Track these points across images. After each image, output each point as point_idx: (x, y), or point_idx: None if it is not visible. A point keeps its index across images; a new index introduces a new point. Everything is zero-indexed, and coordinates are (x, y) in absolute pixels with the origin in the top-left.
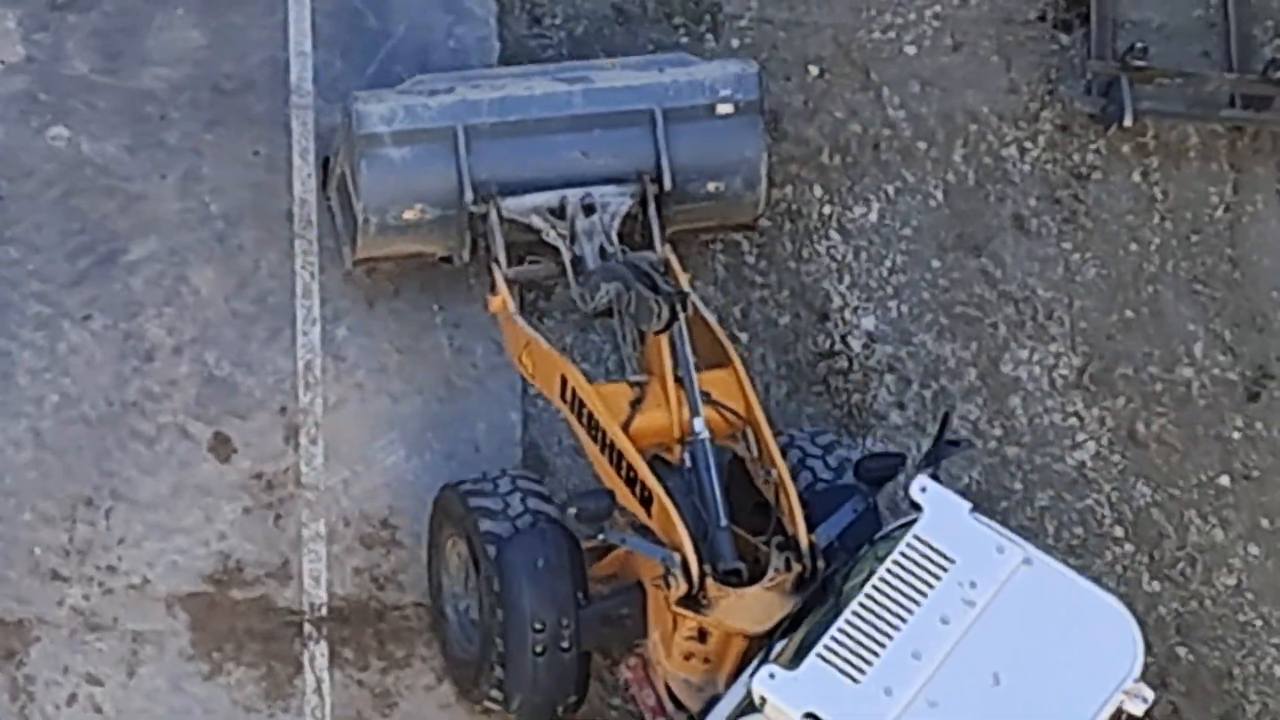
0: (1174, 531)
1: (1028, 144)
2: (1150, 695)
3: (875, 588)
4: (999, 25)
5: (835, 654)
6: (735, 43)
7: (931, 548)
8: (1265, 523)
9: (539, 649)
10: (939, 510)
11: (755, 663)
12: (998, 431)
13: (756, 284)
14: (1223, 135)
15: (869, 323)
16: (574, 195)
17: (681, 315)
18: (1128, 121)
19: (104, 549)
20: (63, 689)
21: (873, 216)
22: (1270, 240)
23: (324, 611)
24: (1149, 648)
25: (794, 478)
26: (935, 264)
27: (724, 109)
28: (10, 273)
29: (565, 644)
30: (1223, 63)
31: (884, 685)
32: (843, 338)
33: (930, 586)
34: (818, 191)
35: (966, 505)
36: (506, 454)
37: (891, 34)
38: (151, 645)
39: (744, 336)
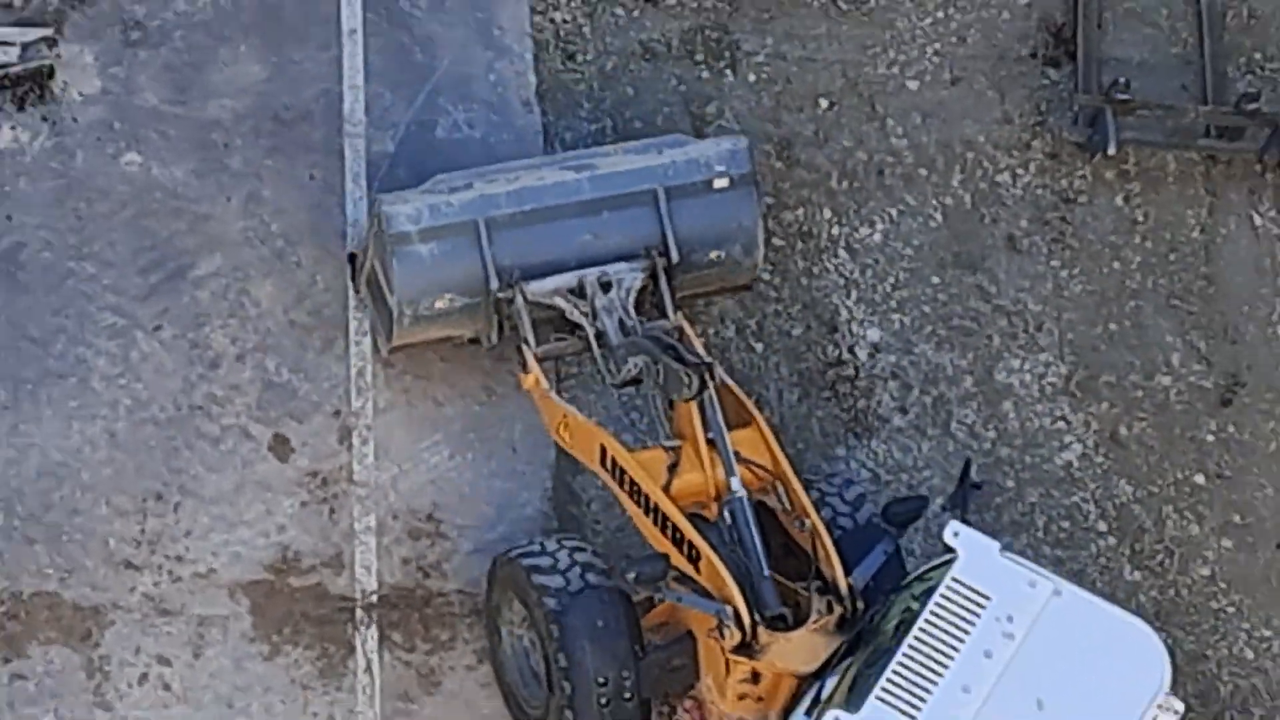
0: (1153, 526)
1: (1020, 170)
2: (1180, 707)
3: (922, 629)
4: (994, 61)
5: (892, 694)
6: (752, 77)
7: (969, 588)
8: (1237, 518)
9: (604, 700)
10: (972, 552)
11: (808, 702)
12: (992, 434)
13: (771, 298)
14: (1199, 163)
15: (874, 334)
16: (591, 275)
17: (710, 384)
18: (1111, 150)
19: (173, 540)
20: (135, 669)
21: (877, 237)
22: (1242, 259)
23: (374, 598)
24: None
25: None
26: (935, 280)
27: (720, 184)
28: (87, 287)
29: (627, 694)
30: (1198, 96)
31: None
32: (850, 348)
33: (972, 624)
34: (827, 214)
35: (997, 545)
36: (539, 454)
37: (895, 69)
38: (216, 628)
39: (759, 346)
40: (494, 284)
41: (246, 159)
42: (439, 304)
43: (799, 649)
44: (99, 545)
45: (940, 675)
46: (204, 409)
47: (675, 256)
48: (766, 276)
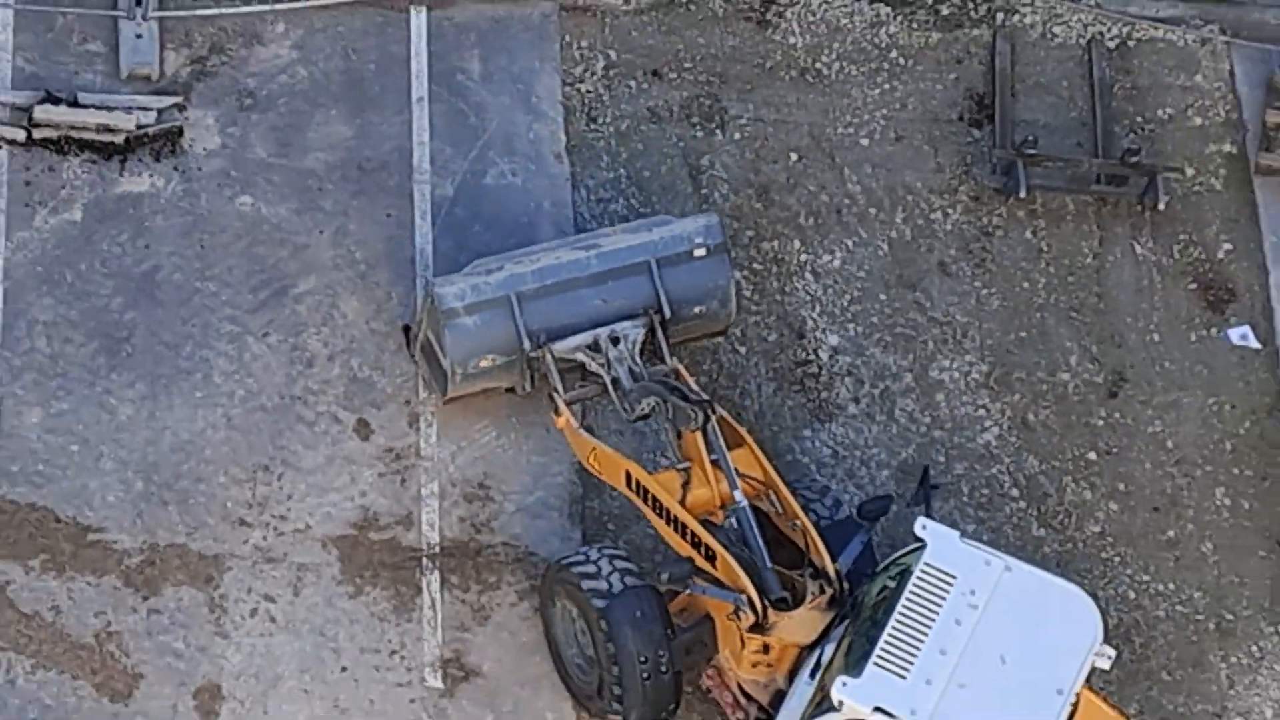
0: (1055, 492)
1: (949, 210)
2: (1112, 653)
3: (904, 606)
4: (929, 124)
5: (886, 660)
6: (737, 135)
7: (938, 570)
8: (1121, 487)
9: (645, 675)
10: (938, 540)
11: (811, 665)
12: (927, 419)
13: (752, 310)
14: (1091, 204)
15: (833, 339)
16: (603, 333)
17: (712, 417)
18: (1022, 194)
19: (277, 503)
20: (247, 605)
21: (836, 262)
22: (1125, 280)
23: (437, 549)
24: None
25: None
26: (882, 296)
27: (699, 253)
28: (210, 301)
29: (664, 669)
30: (1091, 151)
31: (925, 678)
32: (814, 350)
33: (943, 599)
34: (796, 244)
35: (956, 534)
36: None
37: (851, 129)
38: (311, 573)
39: (742, 349)
40: (526, 345)
41: (336, 200)
42: (483, 363)
43: (801, 624)
44: (218, 507)
45: (922, 642)
46: (302, 399)
47: (668, 313)
48: (748, 294)
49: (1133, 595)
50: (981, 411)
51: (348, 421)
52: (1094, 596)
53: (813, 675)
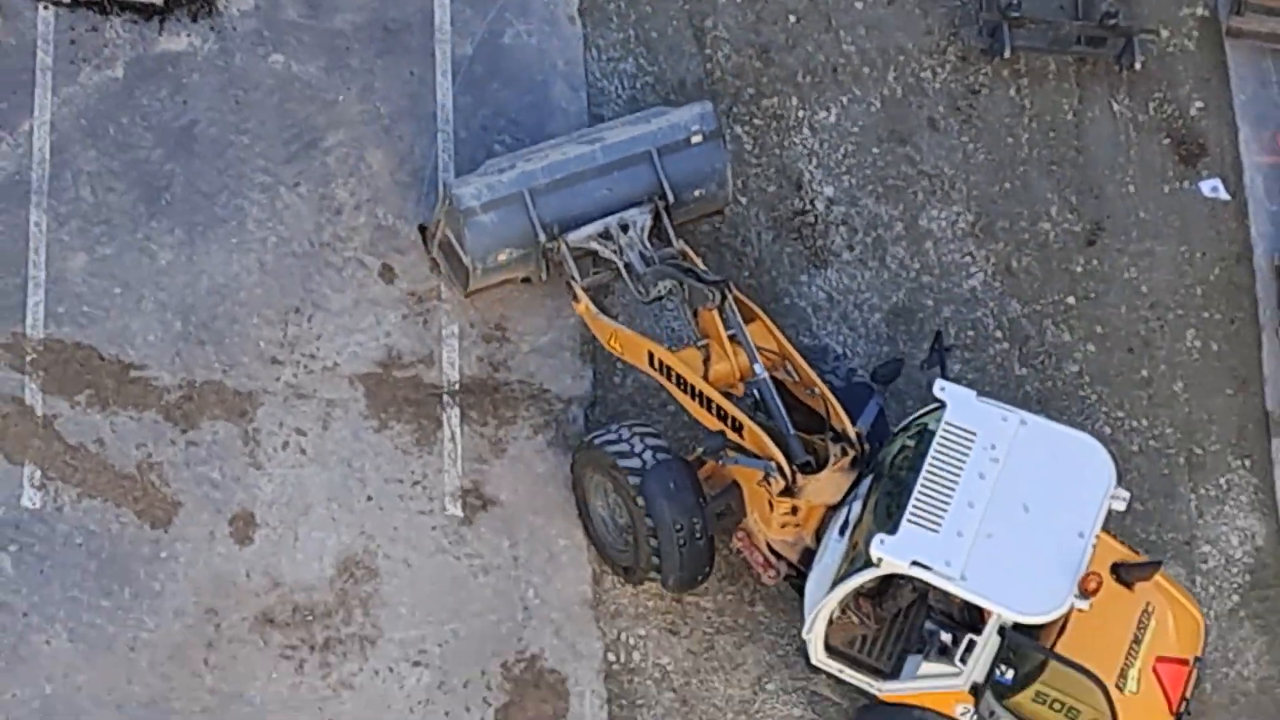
0: (1036, 334)
1: (938, 69)
2: (1126, 495)
3: (931, 464)
4: None
5: (918, 516)
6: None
7: (959, 428)
8: (1098, 329)
9: (682, 542)
10: (956, 400)
11: (840, 523)
12: (917, 265)
13: (753, 164)
14: (1072, 64)
15: (829, 190)
16: (613, 221)
17: (729, 295)
18: (1007, 54)
19: (307, 342)
20: (279, 437)
21: (832, 118)
22: (1103, 136)
23: (457, 386)
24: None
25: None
26: (874, 151)
27: (696, 139)
28: (244, 154)
29: (698, 535)
30: (1072, 14)
31: (956, 530)
32: (811, 201)
33: (966, 455)
34: (794, 101)
35: (973, 393)
36: None
37: None
38: (339, 408)
39: (744, 200)
40: (542, 237)
41: (362, 59)
42: (501, 257)
43: (826, 486)
44: (252, 346)
45: (950, 497)
46: (330, 245)
47: (670, 198)
48: (749, 147)
49: (1108, 431)
50: (968, 258)
51: (373, 266)
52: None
53: (842, 533)
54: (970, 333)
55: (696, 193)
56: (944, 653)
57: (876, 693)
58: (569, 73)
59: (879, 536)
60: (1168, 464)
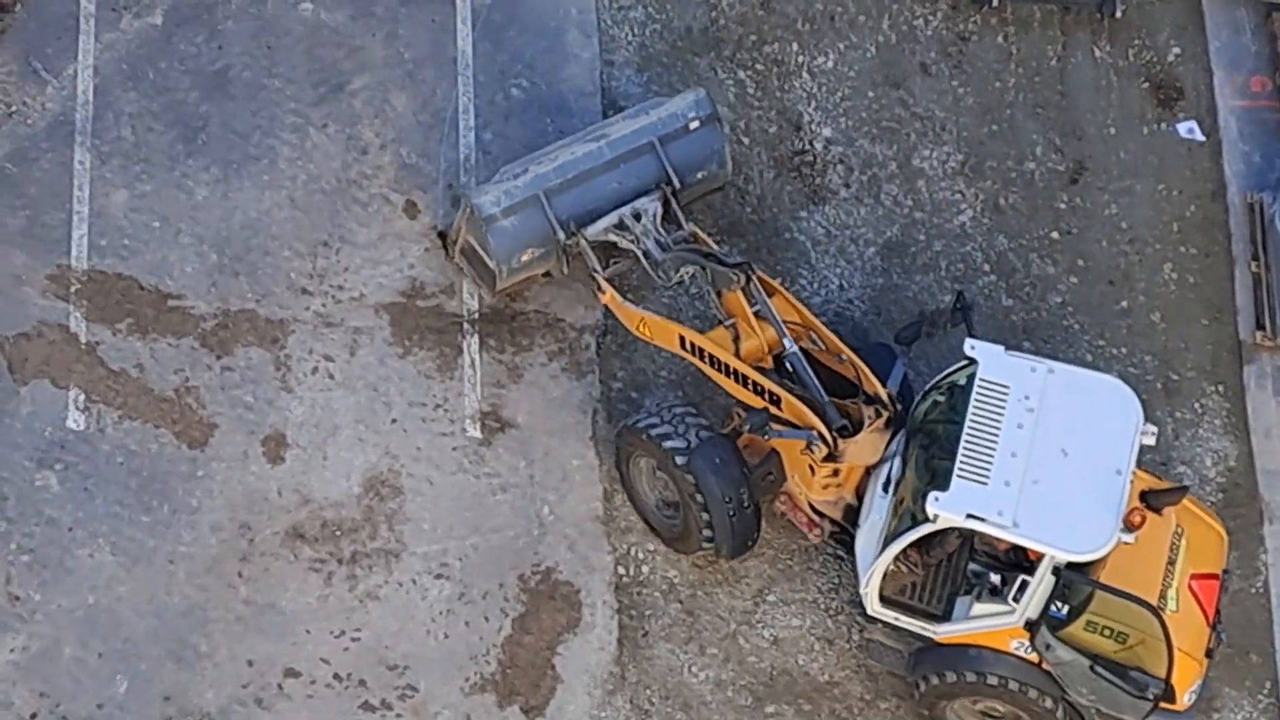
0: (1022, 267)
1: (929, 17)
2: (1155, 430)
3: (971, 421)
4: None
5: (967, 470)
6: None
7: (993, 383)
8: (1080, 262)
9: (731, 513)
10: (987, 357)
11: (882, 481)
12: (910, 203)
13: (755, 106)
14: (1056, 12)
15: (827, 131)
16: (626, 211)
17: (753, 276)
18: (995, 3)
19: (335, 274)
20: (308, 363)
21: (830, 63)
22: (1086, 80)
23: (476, 315)
24: (1006, 347)
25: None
26: (870, 94)
27: (694, 125)
28: (275, 96)
29: (745, 505)
30: None
31: (1003, 480)
32: (810, 141)
33: (1003, 408)
34: (794, 47)
35: (1002, 348)
36: None
37: None
38: (365, 336)
39: (746, 140)
40: (561, 235)
41: (387, 7)
42: (524, 257)
43: (865, 447)
44: (283, 277)
45: (993, 450)
46: (357, 182)
47: (677, 184)
48: (751, 90)
49: (1090, 358)
50: (957, 196)
51: (397, 202)
52: (1055, 357)
53: (885, 489)
54: (960, 266)
55: (700, 175)
56: (995, 593)
57: (932, 635)
58: (582, 20)
59: (933, 495)
60: (1146, 390)
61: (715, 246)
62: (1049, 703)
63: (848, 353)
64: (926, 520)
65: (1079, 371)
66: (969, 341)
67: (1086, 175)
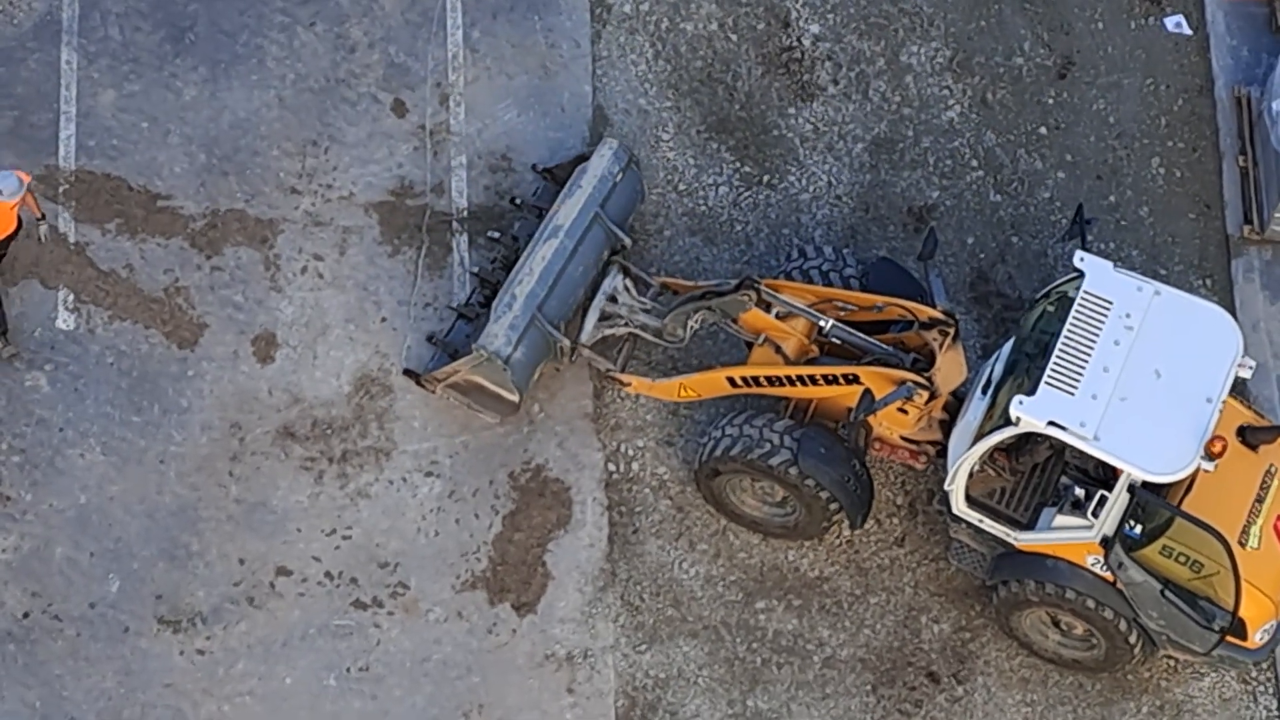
0: (1010, 163)
1: None
2: (1254, 364)
3: (1068, 331)
4: None
5: (1056, 378)
6: None
7: (1097, 297)
8: (1068, 157)
9: (852, 485)
10: (1094, 271)
11: (982, 383)
12: (898, 98)
13: (743, 3)
14: None
15: (815, 28)
16: (600, 301)
17: (760, 289)
18: None
19: (324, 173)
20: (298, 262)
21: None
22: None
23: (465, 213)
24: (991, 239)
25: (841, 286)
26: None
27: (619, 178)
28: None
29: (859, 472)
30: None
31: (1091, 393)
32: (798, 38)
33: (1102, 322)
34: None
35: (1110, 264)
36: (581, 114)
37: None
38: (355, 235)
39: (734, 38)
40: (564, 343)
41: None
42: (536, 375)
43: (950, 369)
44: (273, 176)
45: (1086, 362)
46: (346, 81)
47: (628, 241)
48: None
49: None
50: (945, 92)
51: (386, 101)
52: (1044, 254)
53: (984, 391)
54: (948, 162)
55: (630, 217)
56: (1077, 507)
57: (1013, 542)
58: None
59: (1018, 397)
60: None
61: (698, 283)
62: (1121, 623)
63: (881, 299)
64: (1011, 423)
65: (1185, 296)
66: (1078, 254)
67: (1074, 70)
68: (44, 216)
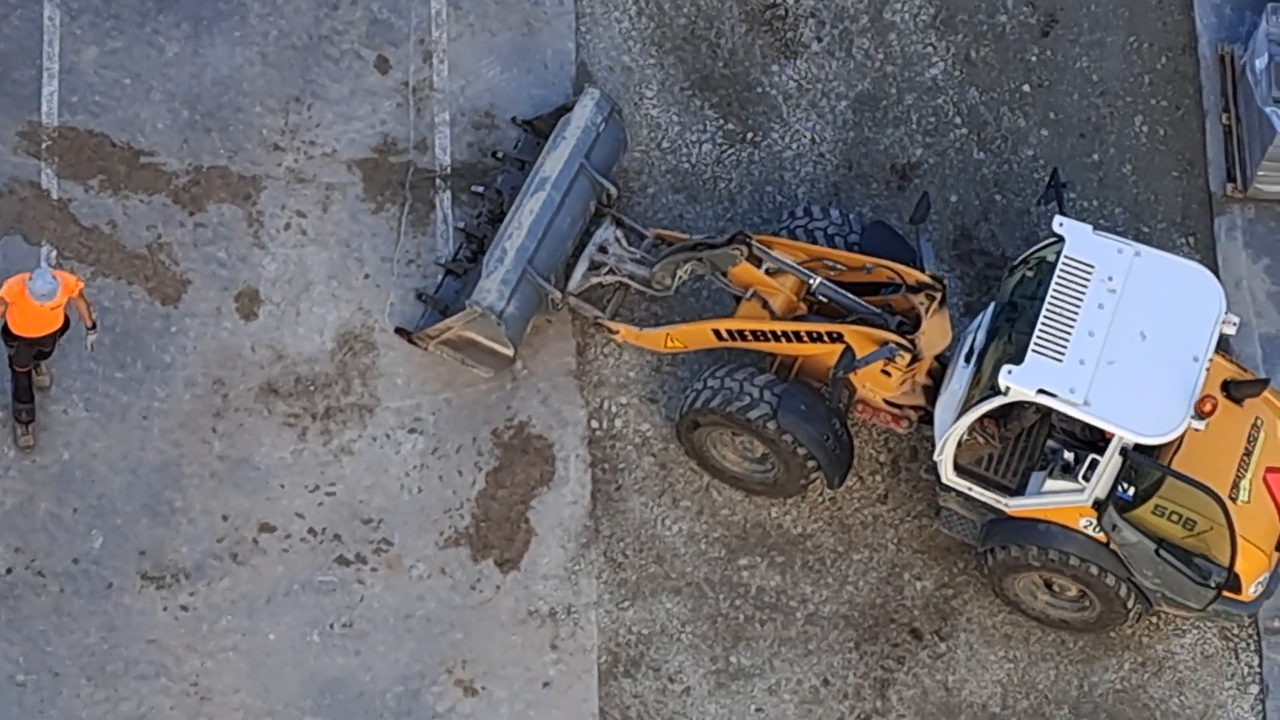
0: (993, 120)
1: None
2: (1237, 320)
3: (1052, 297)
4: None
5: (1043, 345)
6: None
7: (1078, 261)
8: (1052, 115)
9: (832, 446)
10: (1074, 235)
11: (965, 351)
12: (881, 56)
13: None
14: None
15: None
16: (591, 251)
17: (752, 244)
18: None
19: (307, 130)
20: (281, 219)
21: None
22: None
23: (448, 170)
24: (974, 197)
25: (844, 249)
26: None
27: (602, 128)
28: None
29: (839, 432)
30: None
31: (1078, 359)
32: None
33: (1085, 287)
34: None
35: (1090, 227)
36: (564, 70)
37: None
38: (338, 192)
39: None
40: (556, 295)
41: None
42: (529, 329)
43: (935, 333)
44: (256, 133)
45: (1071, 327)
46: (329, 38)
47: (613, 190)
48: None
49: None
50: (929, 49)
51: (369, 58)
52: (1027, 211)
53: (968, 360)
54: (931, 119)
55: (616, 166)
56: (1067, 470)
57: (1004, 508)
58: None
59: (1007, 366)
60: None
61: (690, 236)
62: (1115, 583)
63: (870, 261)
64: (1000, 392)
65: (1165, 256)
66: (1057, 218)
67: (1057, 28)
68: (95, 326)
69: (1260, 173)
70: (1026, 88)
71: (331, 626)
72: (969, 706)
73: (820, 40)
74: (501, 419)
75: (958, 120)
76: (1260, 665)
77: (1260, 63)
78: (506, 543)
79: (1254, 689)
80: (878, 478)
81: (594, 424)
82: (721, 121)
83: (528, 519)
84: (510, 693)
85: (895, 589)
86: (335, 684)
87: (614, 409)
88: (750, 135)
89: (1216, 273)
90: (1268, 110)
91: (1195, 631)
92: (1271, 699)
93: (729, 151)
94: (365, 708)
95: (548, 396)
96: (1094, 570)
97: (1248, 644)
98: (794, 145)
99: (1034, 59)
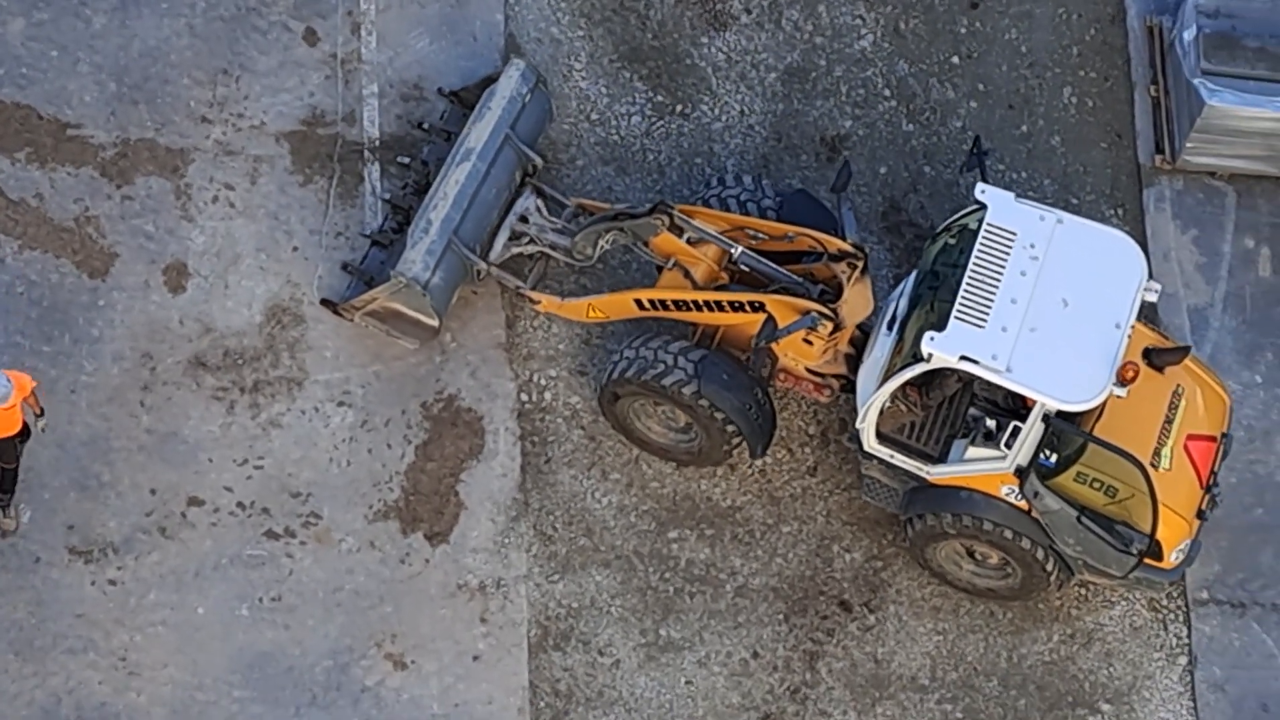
0: (922, 92)
1: None
2: (1159, 288)
3: (975, 264)
4: None
5: (965, 313)
6: None
7: (1000, 229)
8: (980, 87)
9: (753, 414)
10: (996, 203)
11: (886, 319)
12: (810, 27)
13: None
14: None
15: None
16: (512, 220)
17: (673, 214)
18: None
19: (235, 102)
20: (209, 192)
21: None
22: None
23: (377, 143)
24: (903, 168)
25: (759, 216)
26: None
27: (528, 99)
28: None
29: (761, 401)
30: None
31: (1000, 325)
32: None
33: (1007, 254)
34: None
35: (1012, 195)
36: (493, 40)
37: None
38: (266, 164)
39: None
40: (481, 266)
41: None
42: (454, 299)
43: (857, 302)
44: (184, 106)
45: (993, 294)
46: (256, 10)
47: (539, 161)
48: None
49: (989, 183)
50: (858, 21)
51: (297, 30)
52: (955, 183)
53: (890, 328)
54: (860, 91)
55: (540, 137)
56: (989, 438)
57: (926, 476)
58: None
59: (929, 334)
60: None
61: (612, 206)
62: (1037, 551)
63: (792, 229)
64: (922, 360)
65: (1088, 224)
66: (979, 186)
67: (986, 0)
68: (43, 412)
69: (1189, 144)
70: (955, 59)
71: (260, 600)
72: (898, 678)
73: (749, 12)
74: (431, 392)
75: (887, 92)
76: (1189, 636)
77: (1189, 34)
78: (436, 516)
79: (1182, 660)
80: (807, 450)
81: (523, 397)
82: (651, 93)
83: (457, 492)
84: (440, 666)
85: (824, 561)
86: (264, 658)
87: (543, 382)
88: (679, 107)
89: (1145, 244)
90: (1196, 82)
91: (1124, 603)
92: (1200, 670)
93: (658, 123)
94: (294, 681)
95: (477, 369)
96: (1015, 538)
97: (1176, 615)
98: (723, 117)
99: (963, 31)
